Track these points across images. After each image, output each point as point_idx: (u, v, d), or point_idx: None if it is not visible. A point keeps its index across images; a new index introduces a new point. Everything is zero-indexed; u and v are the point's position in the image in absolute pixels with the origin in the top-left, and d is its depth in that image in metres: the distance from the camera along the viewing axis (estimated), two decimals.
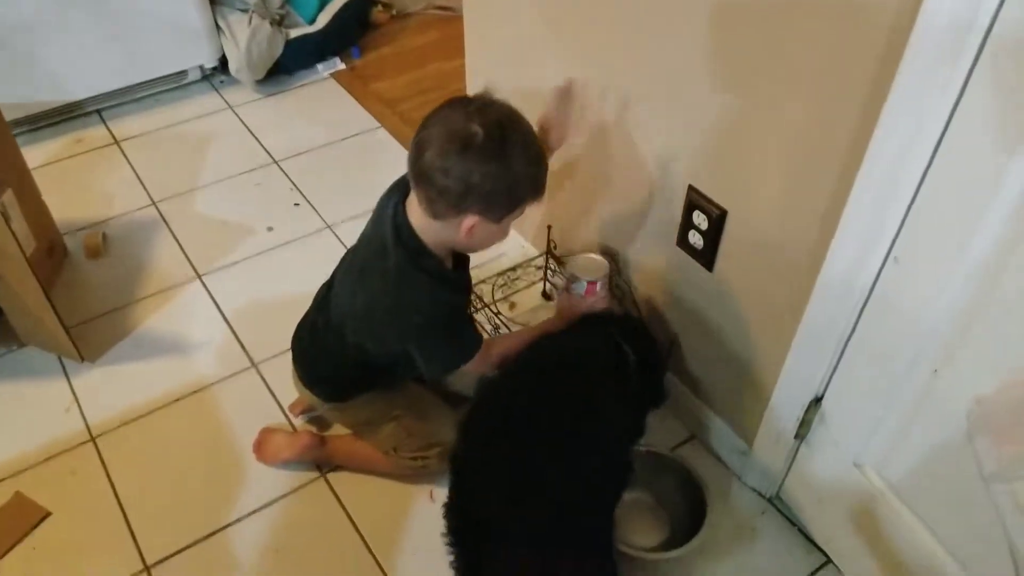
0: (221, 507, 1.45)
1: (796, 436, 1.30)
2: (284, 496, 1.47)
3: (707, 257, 1.31)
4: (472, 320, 1.34)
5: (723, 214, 1.24)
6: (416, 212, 1.15)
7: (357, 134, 2.37)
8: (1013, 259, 0.87)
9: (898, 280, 1.02)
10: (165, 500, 1.46)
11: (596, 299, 1.42)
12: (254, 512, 1.44)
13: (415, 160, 1.09)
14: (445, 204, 1.09)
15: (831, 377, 1.20)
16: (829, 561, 1.36)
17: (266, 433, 1.54)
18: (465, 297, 1.35)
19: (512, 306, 1.82)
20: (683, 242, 1.35)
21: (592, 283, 1.41)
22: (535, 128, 1.23)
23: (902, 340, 1.05)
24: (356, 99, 2.50)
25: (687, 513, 1.38)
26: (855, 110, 0.96)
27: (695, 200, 1.27)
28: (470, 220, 1.10)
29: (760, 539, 1.41)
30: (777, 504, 1.45)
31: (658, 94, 1.28)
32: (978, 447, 0.93)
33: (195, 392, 1.65)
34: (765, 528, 1.42)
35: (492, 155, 1.05)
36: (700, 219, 1.28)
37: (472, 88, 1.79)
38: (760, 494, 1.46)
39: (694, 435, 1.56)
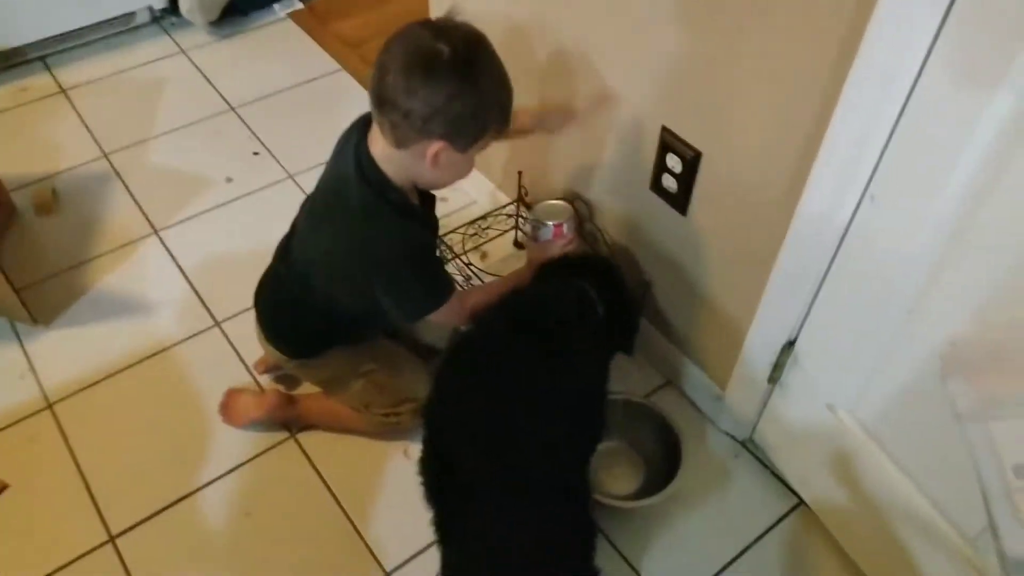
0: (187, 472, 1.41)
1: (769, 380, 1.29)
2: (253, 459, 1.43)
3: (681, 201, 1.27)
4: (443, 264, 1.30)
5: (697, 156, 1.19)
6: (379, 144, 1.10)
7: (317, 78, 2.27)
8: (989, 198, 0.85)
9: (874, 219, 0.99)
10: (128, 467, 1.42)
11: (565, 242, 1.38)
12: (222, 476, 1.41)
13: (377, 84, 1.03)
14: (409, 129, 1.04)
15: (804, 320, 1.18)
16: (802, 502, 1.37)
17: (232, 394, 1.50)
18: (433, 236, 1.29)
19: (483, 256, 1.77)
20: (656, 186, 1.30)
21: (558, 225, 1.37)
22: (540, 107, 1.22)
23: (876, 281, 1.03)
24: (316, 40, 2.39)
25: (663, 459, 1.37)
26: (834, 44, 0.91)
27: (669, 142, 1.22)
28: (435, 146, 1.05)
29: (734, 482, 1.41)
30: (750, 447, 1.45)
31: (628, 30, 1.22)
32: (951, 388, 0.92)
33: (156, 354, 1.60)
34: (739, 471, 1.42)
35: (459, 75, 1.00)
36: (674, 162, 1.23)
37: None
38: (734, 438, 1.46)
39: (669, 381, 1.55)
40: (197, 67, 2.29)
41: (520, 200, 1.69)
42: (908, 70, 0.85)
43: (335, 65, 2.31)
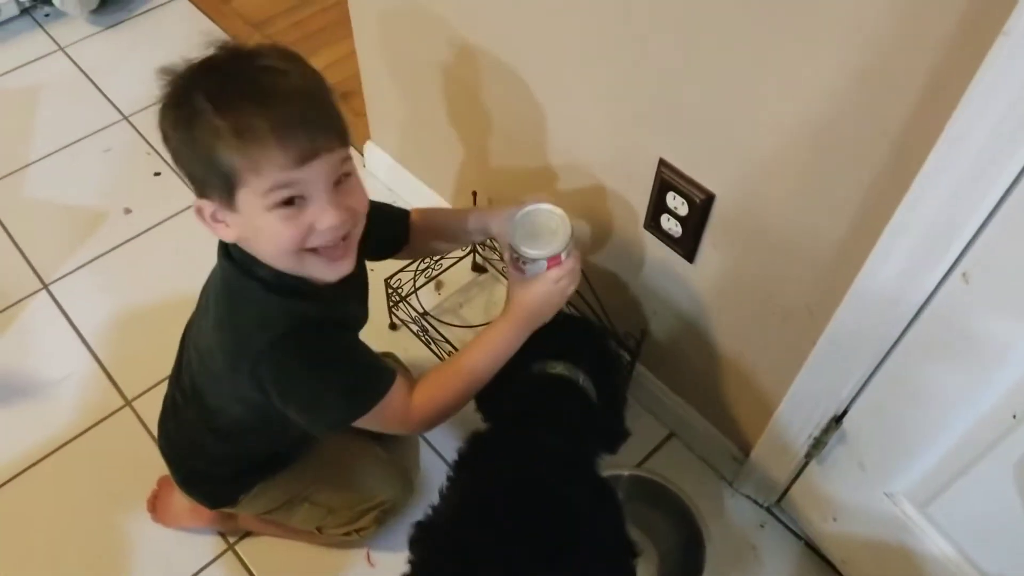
0: None
1: (807, 456, 1.06)
2: None
3: (687, 247, 1.01)
4: (368, 350, 0.92)
5: (710, 199, 0.92)
6: None
7: None
8: None
9: (966, 302, 0.74)
10: None
11: (564, 273, 0.94)
12: None
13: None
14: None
15: (858, 395, 0.94)
16: None
17: (167, 486, 1.21)
18: (343, 311, 0.91)
19: (440, 285, 1.50)
20: (654, 227, 1.03)
21: (554, 258, 0.93)
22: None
23: (964, 374, 0.79)
24: (215, 21, 2.02)
25: (675, 539, 1.15)
26: (934, 53, 0.64)
27: (669, 180, 0.95)
28: (208, 209, 0.80)
29: (763, 559, 1.19)
30: (777, 513, 1.23)
31: (613, 21, 0.92)
32: None
33: (60, 448, 1.31)
34: (768, 545, 1.21)
35: (171, 104, 0.77)
36: (677, 203, 0.96)
37: (354, 6, 1.37)
38: (757, 503, 1.24)
39: (673, 433, 1.31)
40: (79, 67, 1.92)
41: None
42: None
43: None
